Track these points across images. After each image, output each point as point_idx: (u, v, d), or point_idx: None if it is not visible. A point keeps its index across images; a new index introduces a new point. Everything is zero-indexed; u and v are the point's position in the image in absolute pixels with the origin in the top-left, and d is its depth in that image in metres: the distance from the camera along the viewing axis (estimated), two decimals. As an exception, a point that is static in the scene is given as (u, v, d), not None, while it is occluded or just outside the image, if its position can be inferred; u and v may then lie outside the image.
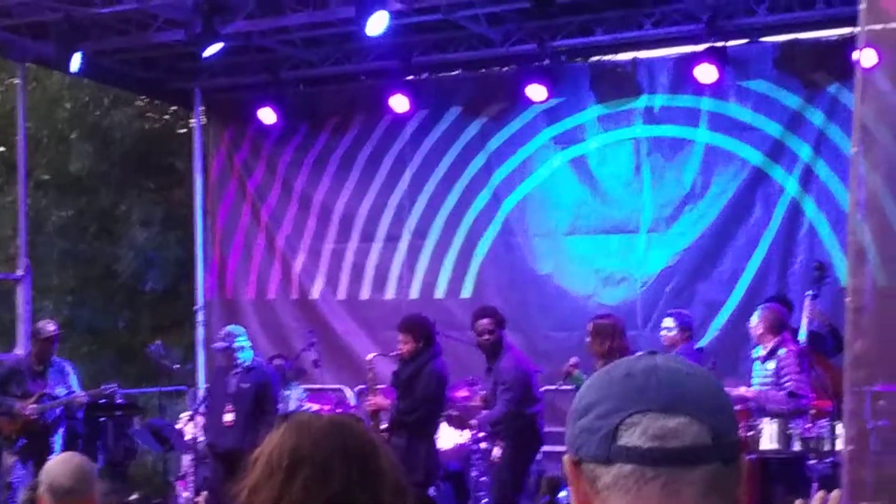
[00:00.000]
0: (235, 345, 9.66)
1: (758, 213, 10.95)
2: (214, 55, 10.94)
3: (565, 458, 1.48)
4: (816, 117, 10.72)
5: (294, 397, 11.13)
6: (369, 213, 12.55)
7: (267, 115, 12.51)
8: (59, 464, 4.43)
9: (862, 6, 5.90)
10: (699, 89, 11.01)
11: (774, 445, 8.15)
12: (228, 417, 9.53)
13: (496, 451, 9.18)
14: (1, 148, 15.79)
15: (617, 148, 11.50)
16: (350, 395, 12.00)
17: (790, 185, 10.81)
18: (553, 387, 9.42)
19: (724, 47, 10.86)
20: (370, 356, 9.82)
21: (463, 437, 9.94)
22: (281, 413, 9.73)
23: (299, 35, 11.91)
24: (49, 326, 10.35)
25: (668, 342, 8.99)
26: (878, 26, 6.10)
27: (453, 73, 12.86)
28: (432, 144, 12.28)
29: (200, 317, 13.19)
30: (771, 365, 8.50)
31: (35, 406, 9.99)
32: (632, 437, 1.40)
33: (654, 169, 11.33)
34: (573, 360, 9.01)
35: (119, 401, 11.48)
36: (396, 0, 10.27)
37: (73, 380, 10.33)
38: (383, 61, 12.01)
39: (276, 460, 2.23)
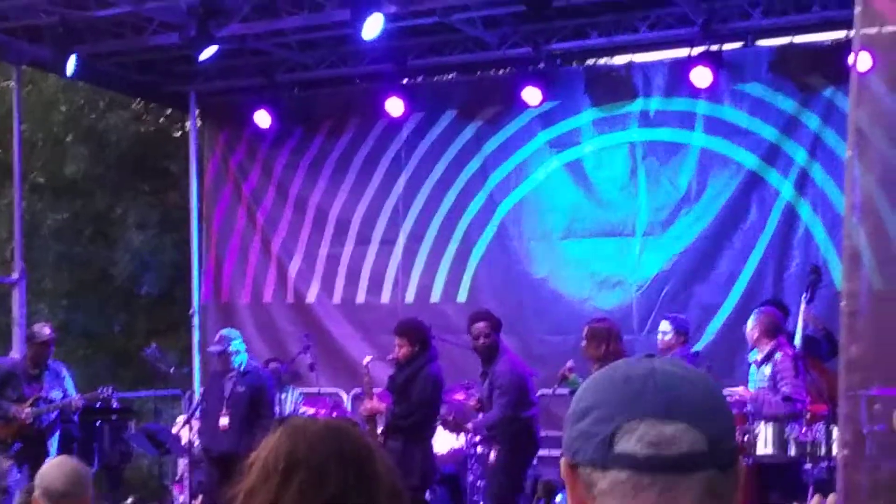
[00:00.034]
0: (231, 348, 9.65)
1: (753, 216, 10.95)
2: (210, 58, 10.95)
3: (563, 460, 1.48)
4: (812, 121, 10.72)
5: (290, 401, 11.12)
6: (365, 216, 12.54)
7: (262, 119, 12.51)
8: (55, 468, 4.42)
9: (857, 9, 5.90)
10: (694, 93, 11.01)
11: (770, 450, 8.14)
12: (224, 421, 9.52)
13: (492, 455, 9.18)
14: (-4, 151, 15.78)
15: (612, 151, 11.49)
16: (346, 398, 11.99)
17: (785, 188, 10.81)
18: (548, 391, 9.40)
19: (720, 51, 10.89)
20: (366, 360, 9.81)
21: (459, 441, 9.93)
22: (277, 417, 9.73)
23: (294, 38, 11.91)
24: (45, 330, 10.34)
25: (664, 346, 8.99)
26: (873, 30, 6.09)
27: (448, 77, 12.88)
28: (428, 148, 12.26)
29: (196, 320, 13.16)
30: (767, 369, 8.49)
31: (31, 410, 9.98)
32: (628, 444, 1.40)
33: (649, 172, 11.32)
34: (569, 363, 9.02)
35: (115, 404, 11.46)
36: (392, 3, 10.27)
37: (69, 383, 10.31)
38: (378, 64, 12.00)
39: (272, 464, 2.22)
